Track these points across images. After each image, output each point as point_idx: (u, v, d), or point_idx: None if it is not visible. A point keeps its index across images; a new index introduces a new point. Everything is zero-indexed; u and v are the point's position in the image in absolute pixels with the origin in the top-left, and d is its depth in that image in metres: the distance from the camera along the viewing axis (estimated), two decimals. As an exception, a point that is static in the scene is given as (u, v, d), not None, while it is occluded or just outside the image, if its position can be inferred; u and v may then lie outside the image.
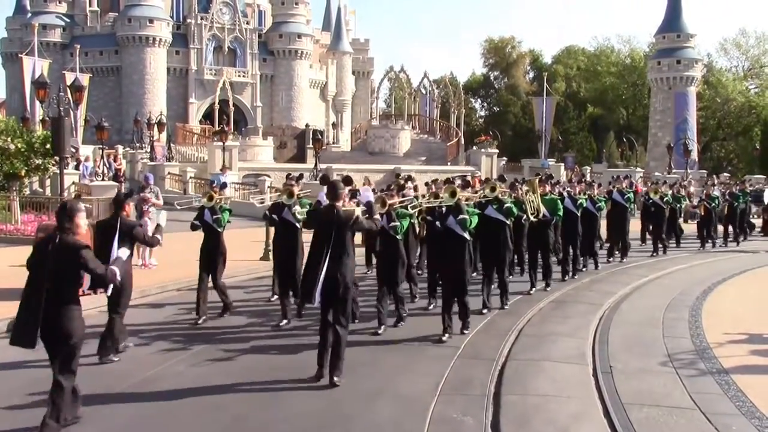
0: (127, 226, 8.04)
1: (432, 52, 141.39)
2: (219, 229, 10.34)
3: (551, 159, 49.19)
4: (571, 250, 14.21)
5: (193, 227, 10.56)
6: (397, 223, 9.64)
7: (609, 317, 10.62)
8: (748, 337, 9.38)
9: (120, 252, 6.51)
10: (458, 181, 13.29)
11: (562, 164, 46.79)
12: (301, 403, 6.77)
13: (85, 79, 36.75)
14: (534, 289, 12.54)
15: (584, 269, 15.05)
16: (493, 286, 11.28)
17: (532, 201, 12.17)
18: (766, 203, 24.48)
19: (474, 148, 46.23)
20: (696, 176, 39.08)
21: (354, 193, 10.96)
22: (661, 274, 15.22)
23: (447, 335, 9.06)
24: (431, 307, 10.92)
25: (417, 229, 11.70)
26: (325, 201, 8.21)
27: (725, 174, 47.50)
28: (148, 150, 40.62)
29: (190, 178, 34.35)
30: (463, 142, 50.70)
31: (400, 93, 61.84)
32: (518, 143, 69.42)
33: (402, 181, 13.63)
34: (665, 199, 18.99)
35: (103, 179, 27.43)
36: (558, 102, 61.42)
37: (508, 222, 11.18)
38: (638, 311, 11.10)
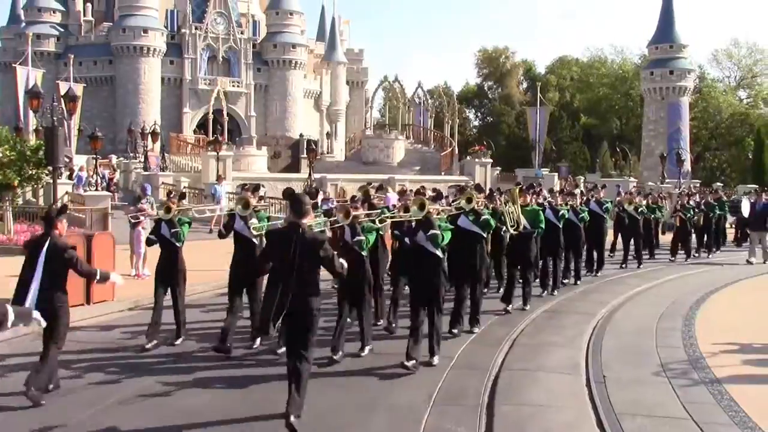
0: (58, 248, 7.00)
1: (426, 62, 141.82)
2: (178, 244, 9.37)
3: (545, 169, 49.31)
4: (552, 264, 13.46)
5: (149, 242, 9.67)
6: (362, 238, 8.63)
7: (602, 327, 10.63)
8: (741, 346, 9.40)
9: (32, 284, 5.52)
10: (429, 192, 12.29)
11: (556, 174, 46.94)
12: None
13: (79, 89, 36.66)
14: (511, 307, 11.69)
15: (565, 282, 14.43)
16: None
17: (512, 212, 11.26)
18: (744, 214, 23.28)
19: (468, 158, 46.33)
20: (688, 186, 39.20)
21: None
22: (654, 283, 15.26)
23: (413, 362, 8.02)
24: (393, 325, 10.15)
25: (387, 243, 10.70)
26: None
27: (718, 183, 47.69)
28: (142, 160, 40.58)
29: (184, 187, 34.29)
30: (457, 152, 50.80)
31: (395, 103, 61.96)
32: (512, 153, 69.57)
33: (373, 190, 12.20)
34: (640, 210, 18.55)
35: (96, 189, 27.38)
36: (551, 112, 61.64)
37: (485, 235, 10.34)
38: (632, 321, 11.11)
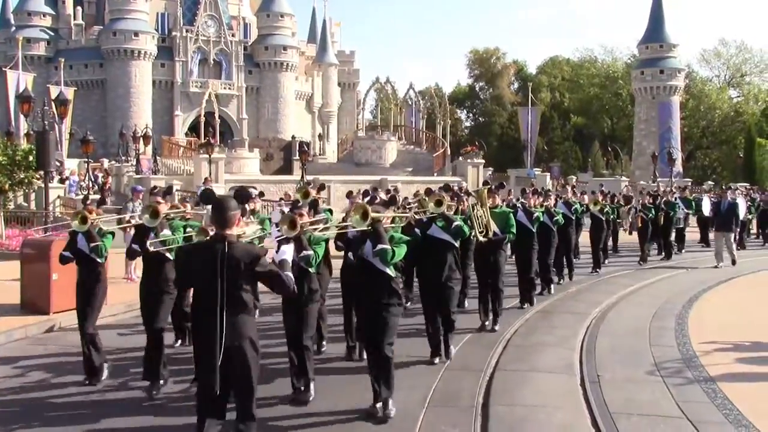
0: None
1: (417, 63, 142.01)
2: (99, 260, 7.84)
3: (537, 169, 49.44)
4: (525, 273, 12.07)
5: (63, 260, 8.08)
6: (310, 253, 7.02)
7: (596, 327, 10.65)
8: (733, 345, 9.44)
9: None
10: (382, 195, 10.91)
11: (548, 174, 47.09)
12: (288, 420, 6.70)
13: (69, 93, 36.61)
14: (487, 323, 10.42)
15: (544, 293, 13.26)
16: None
17: (481, 216, 9.80)
18: (705, 213, 22.10)
19: (460, 158, 46.37)
20: (681, 184, 39.35)
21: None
22: (646, 283, 15.27)
23: (390, 407, 6.70)
24: (356, 356, 8.79)
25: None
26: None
27: (709, 182, 47.89)
28: (134, 163, 40.46)
29: (177, 191, 34.16)
30: (449, 152, 50.82)
31: (386, 104, 62.05)
32: (504, 153, 69.75)
33: (313, 191, 10.46)
34: (605, 210, 17.50)
35: (88, 193, 27.30)
36: (543, 112, 61.80)
37: (456, 244, 8.83)
38: (625, 320, 11.14)
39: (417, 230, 8.48)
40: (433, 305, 8.70)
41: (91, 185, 29.91)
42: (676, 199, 21.36)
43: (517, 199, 12.99)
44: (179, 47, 60.64)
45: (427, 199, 9.31)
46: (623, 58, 75.19)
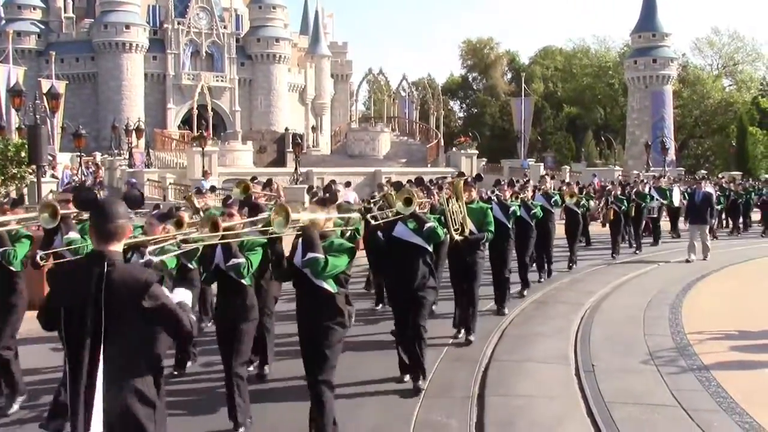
0: None
1: (410, 54, 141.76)
2: (12, 268, 6.69)
3: (531, 159, 49.52)
4: (500, 273, 11.06)
5: None
6: (240, 260, 6.04)
7: (590, 317, 10.68)
8: (726, 333, 9.49)
9: None
10: (340, 188, 9.84)
11: (542, 164, 47.18)
12: (283, 412, 6.71)
13: (61, 87, 36.43)
14: (461, 335, 9.33)
15: (525, 292, 12.36)
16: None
17: (457, 211, 8.46)
18: (675, 204, 21.28)
19: (454, 149, 46.41)
20: (674, 174, 39.42)
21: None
22: (640, 272, 15.31)
23: None
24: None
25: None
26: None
27: (702, 171, 48.00)
28: (127, 157, 40.38)
29: (170, 184, 34.18)
30: (442, 143, 50.84)
31: (379, 95, 61.91)
32: (497, 144, 69.75)
33: (258, 186, 9.02)
34: (581, 203, 16.55)
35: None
36: (536, 102, 61.80)
37: (429, 248, 7.38)
38: (619, 310, 11.18)
39: (379, 232, 7.36)
40: (404, 316, 7.43)
41: (83, 179, 29.82)
42: (650, 189, 20.54)
43: (492, 191, 11.94)
44: (171, 40, 60.40)
45: (394, 195, 7.66)
46: (616, 48, 75.30)
